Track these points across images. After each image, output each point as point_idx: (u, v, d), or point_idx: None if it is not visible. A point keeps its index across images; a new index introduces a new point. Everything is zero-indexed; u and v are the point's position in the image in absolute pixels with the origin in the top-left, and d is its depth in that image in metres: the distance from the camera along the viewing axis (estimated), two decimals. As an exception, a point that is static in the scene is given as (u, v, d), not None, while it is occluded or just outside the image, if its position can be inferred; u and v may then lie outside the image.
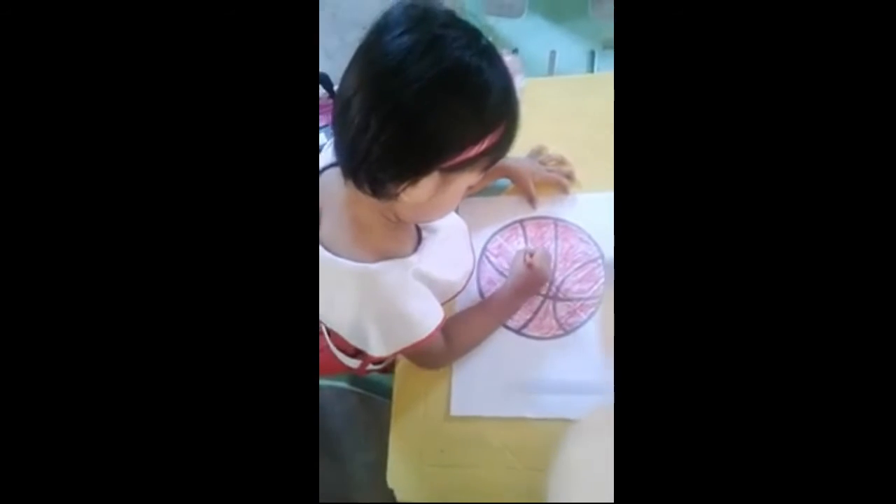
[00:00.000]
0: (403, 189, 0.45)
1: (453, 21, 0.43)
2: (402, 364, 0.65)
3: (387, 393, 0.76)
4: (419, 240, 0.55)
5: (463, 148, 0.44)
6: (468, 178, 0.48)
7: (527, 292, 0.64)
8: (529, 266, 0.63)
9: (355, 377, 0.77)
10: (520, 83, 0.46)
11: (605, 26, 1.04)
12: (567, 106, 0.76)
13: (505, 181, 0.71)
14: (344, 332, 0.56)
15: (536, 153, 0.72)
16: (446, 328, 0.59)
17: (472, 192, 0.70)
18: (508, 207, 0.70)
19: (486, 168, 0.48)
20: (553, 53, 1.03)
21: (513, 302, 0.63)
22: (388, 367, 0.70)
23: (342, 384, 0.77)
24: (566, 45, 1.04)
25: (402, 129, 0.42)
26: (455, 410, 0.61)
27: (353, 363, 0.67)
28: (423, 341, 0.54)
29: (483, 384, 0.62)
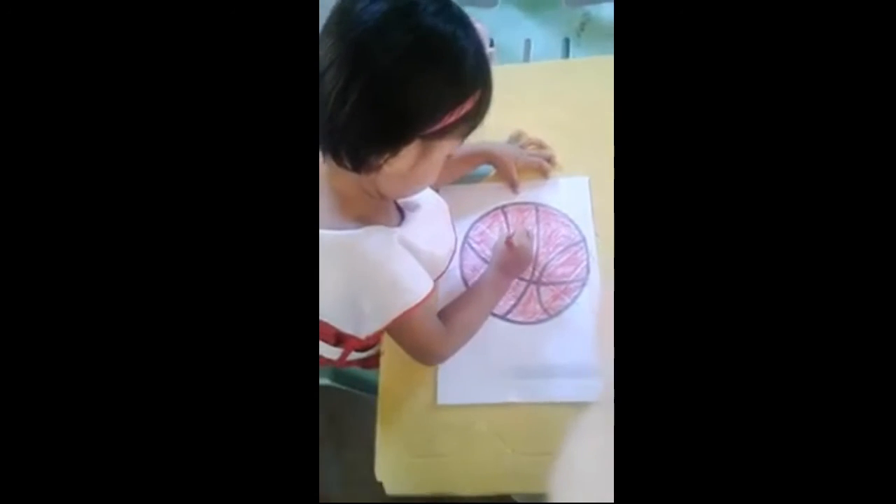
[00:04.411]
0: (385, 161, 0.45)
1: None
2: (387, 354, 0.64)
3: (371, 388, 0.75)
4: (402, 217, 0.54)
5: (442, 115, 0.44)
6: (447, 146, 0.47)
7: (511, 272, 0.63)
8: (510, 246, 0.63)
9: (338, 372, 0.76)
10: (488, 49, 0.46)
11: (578, 14, 1.05)
12: (544, 92, 0.76)
13: (486, 168, 0.71)
14: (334, 314, 0.54)
15: (516, 138, 0.72)
16: (442, 314, 0.58)
17: (455, 180, 0.70)
18: (489, 194, 0.70)
19: (464, 135, 0.47)
20: (528, 42, 1.03)
21: (500, 282, 0.63)
22: (370, 360, 0.69)
23: (325, 381, 0.76)
24: (540, 33, 1.04)
25: (381, 99, 0.42)
26: (442, 399, 0.60)
27: (335, 353, 0.66)
28: (417, 307, 0.53)
29: (469, 371, 0.61)
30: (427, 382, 0.61)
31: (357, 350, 0.67)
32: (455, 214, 0.65)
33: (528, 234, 0.65)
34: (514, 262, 0.63)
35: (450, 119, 0.44)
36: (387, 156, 0.45)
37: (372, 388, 0.75)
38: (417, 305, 0.53)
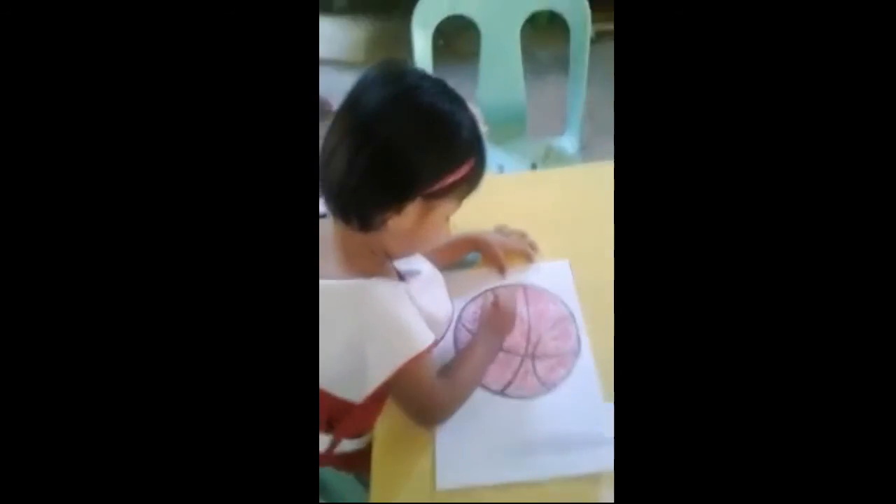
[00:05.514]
0: (389, 217, 0.49)
1: (426, 76, 0.51)
2: (380, 439, 0.60)
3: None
4: (402, 280, 0.57)
5: (439, 177, 0.49)
6: (447, 207, 0.52)
7: (499, 329, 0.65)
8: (496, 306, 0.65)
9: (324, 485, 0.69)
10: (483, 128, 0.53)
11: (542, 144, 1.21)
12: (520, 194, 0.85)
13: (474, 256, 0.75)
14: (333, 373, 0.53)
15: (500, 229, 0.77)
16: (444, 370, 0.58)
17: (445, 267, 0.73)
18: (479, 279, 0.73)
19: (462, 197, 0.52)
20: (501, 167, 1.16)
21: (491, 340, 0.64)
22: (355, 457, 0.64)
23: None
24: (511, 159, 1.18)
25: (386, 164, 0.47)
26: (442, 484, 0.56)
27: (323, 442, 0.61)
28: (422, 355, 0.53)
29: (469, 451, 0.58)
30: (424, 466, 0.57)
31: (349, 437, 0.63)
32: (446, 297, 0.67)
33: (512, 296, 0.67)
34: (501, 320, 0.65)
35: (448, 181, 0.49)
36: (391, 213, 0.49)
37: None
38: (423, 353, 0.53)
